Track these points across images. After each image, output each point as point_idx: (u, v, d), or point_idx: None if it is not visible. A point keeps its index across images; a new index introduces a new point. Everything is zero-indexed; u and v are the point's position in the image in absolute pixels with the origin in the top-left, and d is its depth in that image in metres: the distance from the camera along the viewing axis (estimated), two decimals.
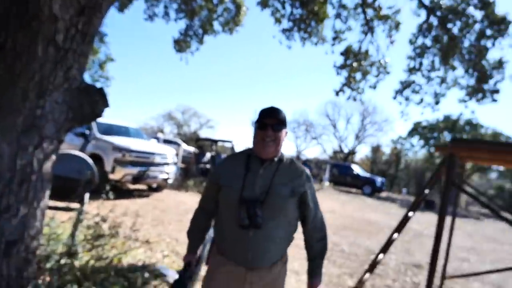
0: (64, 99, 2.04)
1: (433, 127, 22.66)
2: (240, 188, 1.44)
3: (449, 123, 21.88)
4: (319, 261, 1.66)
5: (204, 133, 31.18)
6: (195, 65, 65.60)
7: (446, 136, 22.80)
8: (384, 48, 11.76)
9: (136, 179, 7.22)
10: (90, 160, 3.05)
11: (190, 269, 1.56)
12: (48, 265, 2.21)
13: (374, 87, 6.58)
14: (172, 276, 3.11)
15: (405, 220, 3.58)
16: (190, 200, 8.10)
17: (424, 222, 10.13)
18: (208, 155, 12.41)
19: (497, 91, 5.75)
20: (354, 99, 6.87)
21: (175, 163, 8.89)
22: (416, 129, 23.65)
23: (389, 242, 3.68)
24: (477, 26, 5.79)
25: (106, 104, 2.34)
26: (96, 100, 2.27)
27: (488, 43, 5.76)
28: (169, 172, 8.13)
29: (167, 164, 8.15)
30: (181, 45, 6.75)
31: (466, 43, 5.98)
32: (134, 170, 7.16)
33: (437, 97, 6.36)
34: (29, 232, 1.83)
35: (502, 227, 12.99)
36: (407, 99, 6.50)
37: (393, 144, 29.54)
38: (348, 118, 32.64)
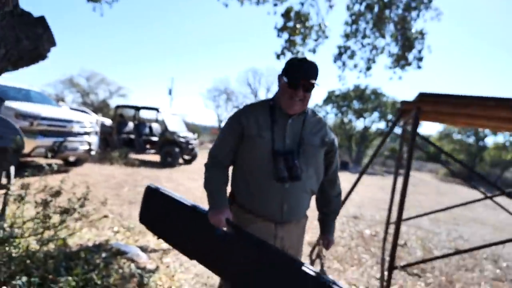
0: None
1: (345, 95, 24.81)
2: (271, 139, 1.32)
3: (358, 92, 24.26)
4: (334, 217, 1.62)
5: (115, 102, 28.19)
6: (104, 30, 57.91)
7: (355, 104, 25.29)
8: (324, 12, 12.03)
9: (52, 151, 6.09)
10: (14, 123, 2.33)
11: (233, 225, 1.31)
12: None
13: (314, 51, 6.67)
14: (135, 252, 2.70)
15: (358, 180, 3.79)
16: (119, 173, 7.28)
17: (344, 179, 11.23)
18: (130, 125, 11.27)
19: (420, 59, 6.41)
20: None
21: (96, 132, 7.77)
22: (330, 98, 25.57)
23: (344, 200, 3.89)
24: None
25: (52, 41, 1.74)
26: (39, 33, 1.67)
27: (414, 14, 6.33)
28: (91, 142, 7.09)
29: (87, 133, 7.06)
30: None
31: (394, 13, 6.45)
32: (48, 142, 6.01)
33: (368, 63, 6.80)
34: None
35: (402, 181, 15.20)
36: (343, 64, 6.80)
37: None
38: (268, 86, 33.41)
